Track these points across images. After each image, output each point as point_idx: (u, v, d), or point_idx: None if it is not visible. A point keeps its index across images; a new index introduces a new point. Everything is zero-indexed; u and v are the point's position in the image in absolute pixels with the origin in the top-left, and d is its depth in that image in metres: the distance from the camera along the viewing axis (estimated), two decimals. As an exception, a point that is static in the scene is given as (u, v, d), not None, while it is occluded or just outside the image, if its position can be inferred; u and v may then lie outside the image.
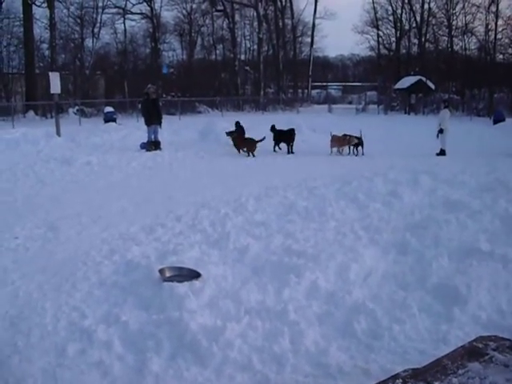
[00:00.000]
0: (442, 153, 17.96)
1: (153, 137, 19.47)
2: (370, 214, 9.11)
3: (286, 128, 19.36)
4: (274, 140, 19.13)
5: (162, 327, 4.97)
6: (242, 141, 19.16)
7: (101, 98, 45.34)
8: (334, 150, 18.65)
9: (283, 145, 19.05)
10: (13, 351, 4.74)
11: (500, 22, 48.59)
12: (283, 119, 28.40)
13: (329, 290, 5.86)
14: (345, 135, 18.61)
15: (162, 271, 6.10)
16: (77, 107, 39.18)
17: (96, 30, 49.50)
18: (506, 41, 50.20)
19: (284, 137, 19.05)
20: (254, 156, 17.75)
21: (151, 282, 5.98)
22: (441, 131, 18.19)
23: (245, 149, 18.44)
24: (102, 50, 52.43)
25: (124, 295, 5.80)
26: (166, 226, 8.64)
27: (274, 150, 18.97)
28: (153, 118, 19.42)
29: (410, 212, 9.15)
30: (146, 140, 19.58)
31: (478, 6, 50.02)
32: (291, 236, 7.79)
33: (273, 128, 19.39)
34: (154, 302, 5.54)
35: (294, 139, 18.77)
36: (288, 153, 18.64)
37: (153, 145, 19.33)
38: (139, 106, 29.54)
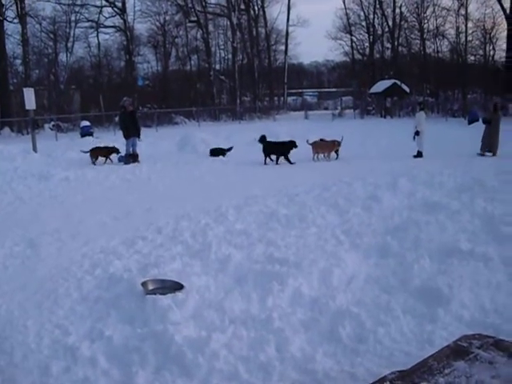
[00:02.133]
0: (419, 155, 18.10)
1: (131, 149, 19.42)
2: (351, 218, 9.15)
3: (287, 139, 18.87)
4: (263, 152, 18.40)
5: (146, 341, 4.94)
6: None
7: (76, 112, 45.06)
8: (321, 156, 18.66)
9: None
10: (-5, 372, 4.68)
11: (470, 24, 49.47)
12: (260, 127, 28.49)
13: (312, 296, 5.86)
14: (333, 140, 18.72)
15: (144, 284, 6.06)
16: (53, 122, 38.89)
17: (69, 45, 49.44)
18: (477, 42, 51.11)
19: (274, 149, 18.39)
20: None
21: (134, 295, 5.94)
22: (417, 133, 18.34)
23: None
24: (76, 64, 52.31)
25: (107, 310, 5.75)
26: (147, 239, 8.60)
27: (265, 163, 18.20)
28: (130, 131, 19.37)
29: (390, 215, 9.20)
30: (124, 153, 19.52)
31: (448, 10, 50.85)
32: (273, 244, 7.79)
33: (262, 139, 18.74)
34: (137, 315, 5.50)
35: (287, 151, 18.04)
36: (276, 163, 18.12)
37: (131, 157, 19.27)
38: (117, 119, 29.46)
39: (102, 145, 20.76)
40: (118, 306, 5.80)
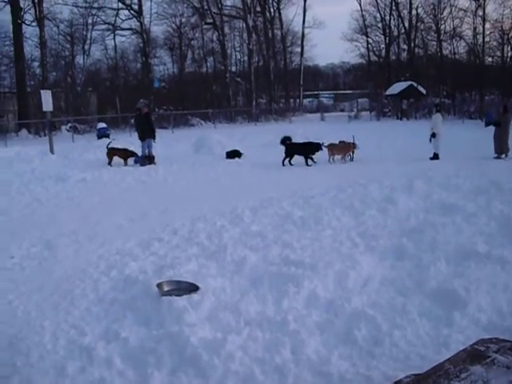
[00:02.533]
0: (436, 157, 17.99)
1: (147, 151, 19.51)
2: (366, 220, 9.12)
3: (311, 139, 19.07)
4: (285, 153, 18.40)
5: (162, 342, 4.95)
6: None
7: (93, 114, 45.45)
8: (337, 157, 18.59)
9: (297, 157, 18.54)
10: (12, 371, 4.71)
11: (487, 25, 49.09)
12: (276, 129, 28.50)
13: (328, 298, 5.85)
14: (349, 142, 18.71)
15: (160, 286, 6.08)
16: (69, 124, 39.23)
17: (86, 47, 49.78)
18: (494, 43, 50.67)
19: (298, 149, 18.39)
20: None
21: (150, 296, 5.95)
22: (433, 135, 18.24)
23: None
24: (92, 66, 52.68)
25: (123, 311, 5.78)
26: (163, 240, 8.62)
27: (283, 164, 18.25)
28: (146, 133, 19.48)
29: (406, 217, 9.15)
30: (140, 154, 19.63)
31: (465, 10, 50.52)
32: (288, 246, 7.78)
33: (284, 141, 18.75)
34: (153, 316, 5.52)
35: (312, 152, 18.10)
36: (306, 164, 18.07)
37: (147, 159, 19.36)
38: (133, 121, 29.61)
39: (119, 146, 20.80)
40: (133, 307, 5.82)
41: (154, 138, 19.75)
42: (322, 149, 18.14)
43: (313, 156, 18.22)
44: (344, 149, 18.64)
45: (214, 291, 6.09)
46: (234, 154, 20.27)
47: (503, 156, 17.85)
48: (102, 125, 33.78)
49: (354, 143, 18.63)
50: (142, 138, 19.53)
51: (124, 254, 8.01)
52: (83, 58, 49.72)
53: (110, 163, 19.34)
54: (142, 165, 19.02)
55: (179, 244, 8.37)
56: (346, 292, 6.03)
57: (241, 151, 20.46)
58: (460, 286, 5.83)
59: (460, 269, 6.47)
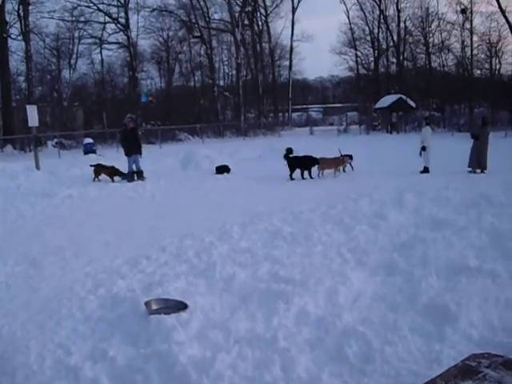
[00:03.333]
0: (426, 170, 18.10)
1: (134, 167, 19.49)
2: (357, 236, 9.15)
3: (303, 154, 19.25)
4: (289, 166, 18.45)
5: (150, 361, 4.94)
6: None
7: (79, 129, 45.35)
8: (329, 171, 18.61)
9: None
10: (-2, 393, 4.68)
11: (475, 38, 49.70)
12: (265, 143, 28.58)
13: (318, 315, 5.85)
14: (341, 156, 18.84)
15: (148, 304, 6.07)
16: (55, 140, 39.12)
17: (73, 61, 49.95)
18: (482, 56, 51.20)
19: (298, 163, 18.58)
20: None
21: (138, 315, 5.94)
22: (423, 148, 18.36)
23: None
24: (79, 80, 52.74)
25: (110, 330, 5.75)
26: (151, 258, 8.60)
27: (291, 179, 18.24)
28: (132, 148, 19.45)
29: (397, 232, 9.20)
30: (124, 171, 19.61)
31: (453, 23, 51.17)
32: (278, 262, 7.78)
33: (287, 155, 18.83)
34: (141, 335, 5.50)
35: (311, 165, 18.40)
36: (302, 178, 18.29)
37: (134, 175, 19.33)
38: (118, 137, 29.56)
39: (105, 163, 20.76)
40: (121, 326, 5.80)
41: (140, 154, 19.74)
42: (318, 163, 18.31)
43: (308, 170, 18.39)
44: (335, 163, 18.70)
45: (203, 309, 6.08)
46: (222, 170, 20.31)
47: (478, 171, 17.72)
48: (89, 140, 33.71)
49: (348, 155, 18.80)
50: (128, 154, 19.50)
51: (111, 271, 7.98)
52: (69, 73, 49.91)
53: (95, 179, 19.33)
54: (129, 181, 19.00)
55: (167, 261, 8.35)
56: (336, 308, 6.04)
57: (229, 166, 20.50)
58: (451, 301, 5.86)
59: (451, 283, 6.50)
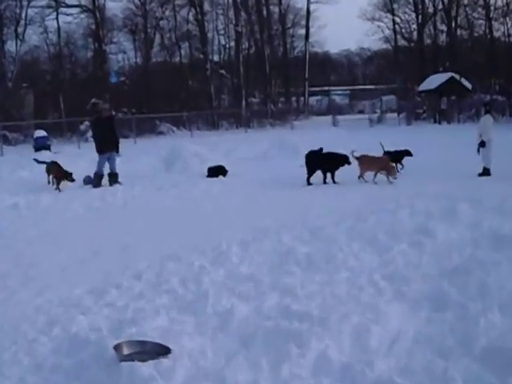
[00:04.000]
0: (486, 172, 18.06)
1: (109, 167, 19.48)
2: (394, 258, 9.13)
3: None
4: (307, 167, 18.67)
5: (120, 423, 4.93)
6: None
7: (29, 118, 45.40)
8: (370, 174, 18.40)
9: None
10: None
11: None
12: (273, 137, 28.58)
13: (343, 362, 5.84)
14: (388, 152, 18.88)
15: (118, 348, 6.06)
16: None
17: (20, 30, 49.92)
18: None
19: (320, 162, 18.71)
20: None
21: (104, 362, 5.93)
22: (482, 144, 18.29)
23: None
24: (28, 55, 52.80)
25: (68, 382, 5.74)
26: (122, 287, 8.60)
27: (309, 183, 18.44)
28: (107, 144, 19.45)
29: (447, 253, 9.17)
30: (88, 173, 19.63)
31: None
32: (290, 293, 7.77)
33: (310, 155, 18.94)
34: (108, 389, 5.50)
35: (337, 166, 18.48)
36: (324, 182, 18.43)
37: (100, 178, 19.29)
38: (83, 127, 29.58)
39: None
40: (82, 376, 5.79)
41: (117, 151, 19.77)
42: (349, 163, 18.33)
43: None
44: (380, 164, 18.39)
45: (191, 354, 6.07)
46: (217, 172, 20.32)
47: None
48: (41, 133, 33.77)
49: (402, 152, 19.26)
50: (101, 151, 19.47)
51: (70, 304, 7.98)
52: (16, 44, 49.98)
53: (50, 182, 19.34)
54: (95, 186, 19.00)
55: (144, 292, 8.35)
56: (367, 354, 6.02)
57: (226, 167, 20.52)
58: (519, 345, 5.84)
59: (519, 321, 6.48)
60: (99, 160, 19.50)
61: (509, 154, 20.31)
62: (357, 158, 18.32)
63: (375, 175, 18.19)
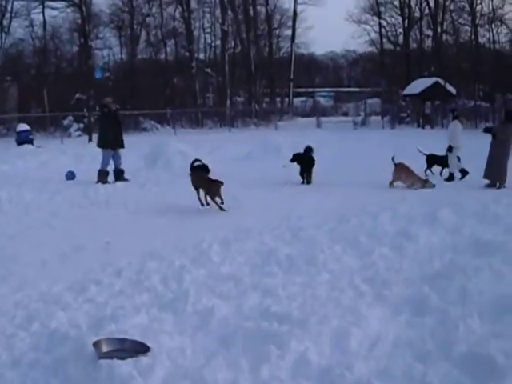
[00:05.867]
0: (451, 177, 18.24)
1: (113, 164, 19.36)
2: (375, 261, 9.15)
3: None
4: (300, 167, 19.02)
5: (98, 421, 4.91)
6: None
7: (12, 112, 45.21)
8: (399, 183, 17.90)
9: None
10: None
11: (538, 6, 49.85)
12: (257, 137, 28.57)
13: (323, 364, 5.83)
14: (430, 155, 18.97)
15: (97, 345, 6.03)
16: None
17: (5, 22, 49.62)
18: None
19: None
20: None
21: (83, 359, 5.90)
22: (450, 149, 18.38)
23: None
24: (13, 48, 52.48)
25: (46, 378, 5.71)
26: (102, 284, 8.58)
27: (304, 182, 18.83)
28: (115, 139, 19.39)
29: (428, 258, 9.21)
30: (72, 169, 19.54)
31: (509, -14, 51.29)
32: (270, 294, 7.78)
33: (298, 156, 19.22)
34: (87, 386, 5.47)
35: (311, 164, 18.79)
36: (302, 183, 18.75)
37: (106, 175, 19.13)
38: (66, 122, 29.38)
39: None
40: (60, 373, 5.76)
41: (123, 146, 19.69)
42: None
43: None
44: (412, 176, 17.64)
45: (170, 353, 6.05)
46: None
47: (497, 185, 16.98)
48: (24, 127, 33.61)
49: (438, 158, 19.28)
50: (108, 146, 19.34)
51: (49, 300, 7.95)
52: (0, 37, 49.65)
53: None
54: (103, 182, 18.75)
55: (124, 289, 8.33)
56: (346, 357, 6.02)
57: (208, 166, 20.50)
58: (498, 351, 5.84)
59: (498, 327, 6.49)
60: (104, 156, 19.34)
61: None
62: (395, 164, 17.74)
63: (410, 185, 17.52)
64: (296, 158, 19.09)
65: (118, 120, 19.99)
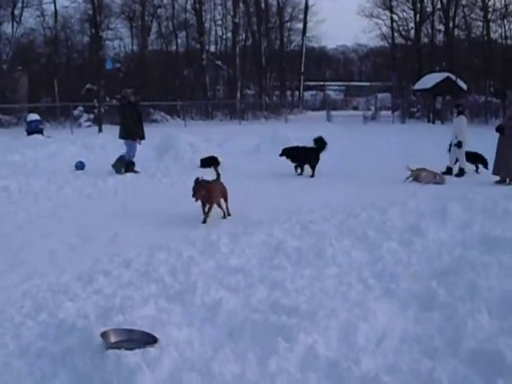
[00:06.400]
0: (462, 173, 18.20)
1: (131, 154, 19.41)
2: (384, 256, 9.13)
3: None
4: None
5: (105, 411, 4.91)
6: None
7: (22, 101, 45.23)
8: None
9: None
10: None
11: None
12: (266, 130, 28.51)
13: (330, 358, 5.82)
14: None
15: (105, 335, 6.04)
16: (-11, 115, 39.10)
17: (17, 12, 49.60)
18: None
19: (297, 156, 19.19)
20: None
21: (91, 349, 5.90)
22: (459, 145, 18.35)
23: None
24: (24, 38, 52.46)
25: (54, 368, 5.72)
26: (110, 274, 8.58)
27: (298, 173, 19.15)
28: (138, 129, 19.44)
29: (437, 253, 9.19)
30: (81, 159, 19.57)
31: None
32: (279, 287, 7.78)
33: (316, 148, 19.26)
34: (94, 376, 5.46)
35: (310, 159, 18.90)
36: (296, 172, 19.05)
37: (132, 165, 19.15)
38: (76, 112, 29.37)
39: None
40: (68, 362, 5.76)
41: (144, 137, 19.73)
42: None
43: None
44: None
45: (178, 345, 6.05)
46: (210, 162, 20.25)
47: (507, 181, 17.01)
48: (34, 117, 33.63)
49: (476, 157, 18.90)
50: (131, 137, 19.41)
51: (58, 290, 7.96)
52: (12, 27, 49.65)
53: None
54: (131, 171, 18.84)
55: (132, 280, 8.33)
56: (354, 351, 6.01)
57: (218, 158, 20.49)
58: (507, 347, 5.82)
59: (507, 323, 6.46)
60: (131, 146, 19.46)
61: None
62: (412, 171, 17.56)
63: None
64: (285, 152, 19.24)
65: (138, 110, 19.92)
